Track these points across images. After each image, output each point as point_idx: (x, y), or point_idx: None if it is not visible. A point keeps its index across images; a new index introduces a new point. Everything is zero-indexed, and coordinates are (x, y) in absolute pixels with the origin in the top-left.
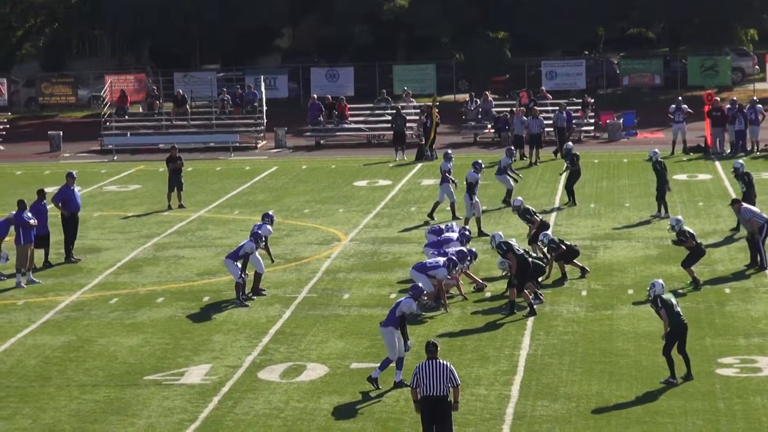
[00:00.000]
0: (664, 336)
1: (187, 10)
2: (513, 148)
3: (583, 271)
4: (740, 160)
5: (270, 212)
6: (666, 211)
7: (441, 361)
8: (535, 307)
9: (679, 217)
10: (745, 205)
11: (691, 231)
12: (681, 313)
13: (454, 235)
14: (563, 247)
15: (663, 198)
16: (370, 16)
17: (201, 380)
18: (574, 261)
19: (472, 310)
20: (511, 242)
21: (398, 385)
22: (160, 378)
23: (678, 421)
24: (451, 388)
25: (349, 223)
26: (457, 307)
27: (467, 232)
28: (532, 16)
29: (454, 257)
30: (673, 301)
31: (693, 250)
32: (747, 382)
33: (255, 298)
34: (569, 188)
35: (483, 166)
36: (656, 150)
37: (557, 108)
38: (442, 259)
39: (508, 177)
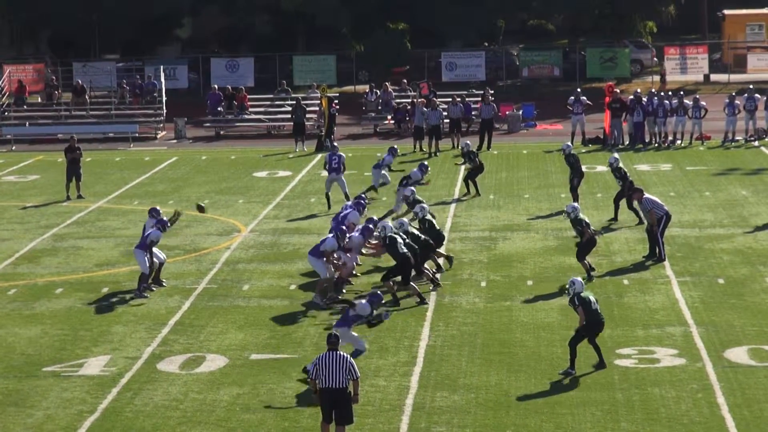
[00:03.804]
0: (578, 329)
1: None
2: (396, 147)
3: (450, 259)
4: (615, 155)
5: (157, 207)
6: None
7: (341, 353)
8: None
9: (576, 204)
10: (647, 195)
11: (587, 220)
12: (599, 311)
13: (351, 212)
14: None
15: (576, 189)
16: (270, 7)
17: (100, 371)
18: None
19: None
20: (396, 237)
21: None
22: (59, 369)
23: (577, 411)
24: (350, 381)
25: (249, 214)
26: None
27: (363, 201)
28: (432, 7)
29: (343, 227)
30: (591, 298)
31: (587, 241)
32: (645, 372)
33: (155, 288)
34: (471, 180)
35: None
36: (569, 143)
37: (450, 100)
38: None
39: (383, 173)
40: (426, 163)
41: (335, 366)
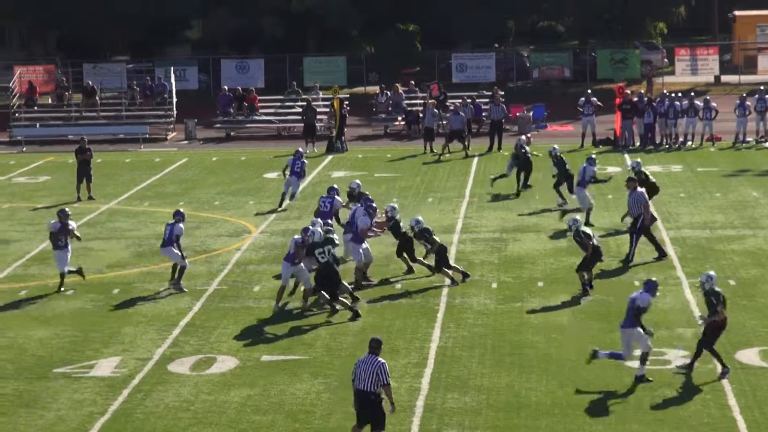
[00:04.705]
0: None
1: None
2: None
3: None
4: (637, 159)
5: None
6: (562, 197)
7: (377, 358)
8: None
9: (577, 217)
10: (640, 189)
11: (588, 232)
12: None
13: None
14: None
15: (559, 186)
16: (280, 8)
17: (111, 373)
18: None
19: (381, 303)
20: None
21: (639, 379)
22: (70, 371)
23: (587, 413)
24: (380, 387)
25: (259, 215)
26: (368, 300)
27: (372, 204)
28: (442, 8)
29: (370, 207)
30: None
31: (591, 254)
32: (656, 374)
33: (174, 290)
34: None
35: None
36: (555, 146)
37: (460, 101)
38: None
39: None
40: (594, 156)
41: (367, 369)
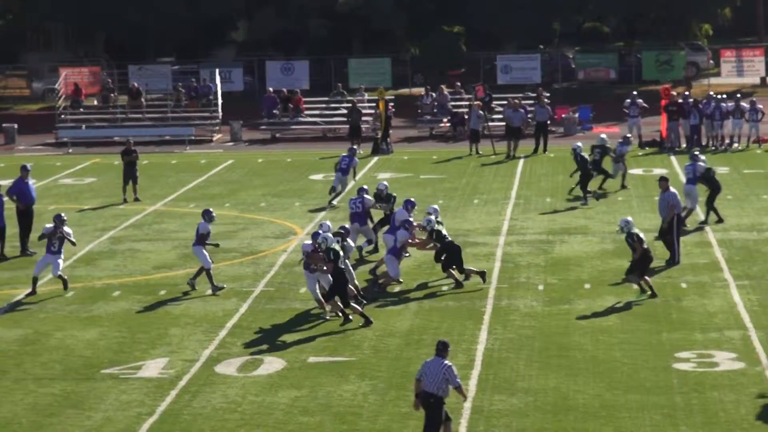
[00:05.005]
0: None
1: (142, 2)
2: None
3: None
4: (702, 158)
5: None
6: (586, 197)
7: (444, 360)
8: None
9: (629, 218)
10: (673, 190)
11: (641, 235)
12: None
13: (403, 212)
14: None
15: (586, 186)
16: (326, 10)
17: (158, 374)
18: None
19: (428, 305)
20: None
21: None
22: (117, 372)
23: (635, 415)
24: (451, 389)
25: (305, 216)
26: (415, 302)
27: (412, 200)
28: (488, 9)
29: (408, 221)
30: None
31: (640, 257)
32: (704, 376)
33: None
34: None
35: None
36: (578, 144)
37: (506, 103)
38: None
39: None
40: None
41: (434, 371)
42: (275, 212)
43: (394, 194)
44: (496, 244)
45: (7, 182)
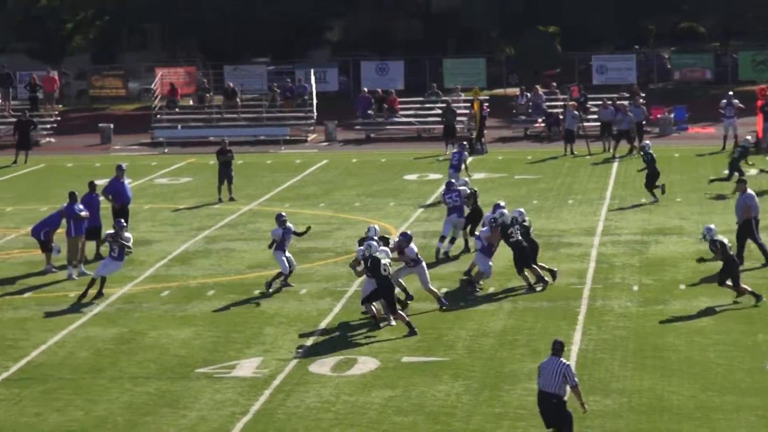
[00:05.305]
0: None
1: (237, 3)
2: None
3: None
4: (647, 142)
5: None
6: (654, 197)
7: (561, 360)
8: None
9: (711, 226)
10: (750, 192)
11: (725, 241)
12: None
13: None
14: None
15: (652, 186)
16: (419, 9)
17: (252, 373)
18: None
19: (522, 305)
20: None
21: None
22: (212, 371)
23: (730, 417)
24: (568, 388)
25: (399, 216)
26: (509, 302)
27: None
28: (582, 9)
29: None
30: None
31: (725, 264)
32: None
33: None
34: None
35: None
36: (648, 142)
37: (600, 103)
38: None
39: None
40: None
41: (551, 371)
42: (369, 212)
43: (475, 188)
44: (590, 245)
45: (103, 182)
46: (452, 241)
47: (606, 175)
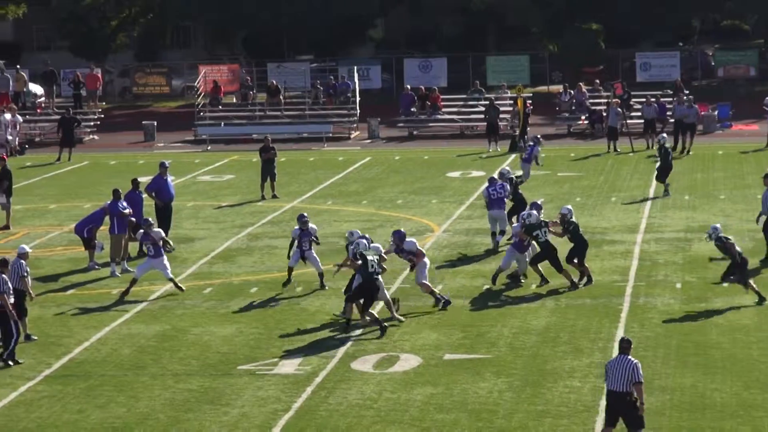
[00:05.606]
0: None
1: (280, 1)
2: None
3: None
4: (664, 135)
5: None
6: (666, 192)
7: (629, 357)
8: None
9: (717, 225)
10: None
11: (731, 239)
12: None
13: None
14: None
15: (665, 178)
16: (461, 7)
17: (294, 370)
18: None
19: (565, 303)
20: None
21: None
22: (254, 368)
23: None
24: (633, 385)
25: (442, 213)
26: (551, 299)
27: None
28: (625, 6)
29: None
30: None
31: (736, 263)
32: None
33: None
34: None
35: None
36: (664, 135)
37: (644, 101)
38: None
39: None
40: None
41: (620, 369)
42: (412, 209)
43: (513, 176)
44: (633, 242)
45: (146, 179)
46: (502, 233)
47: (649, 173)
